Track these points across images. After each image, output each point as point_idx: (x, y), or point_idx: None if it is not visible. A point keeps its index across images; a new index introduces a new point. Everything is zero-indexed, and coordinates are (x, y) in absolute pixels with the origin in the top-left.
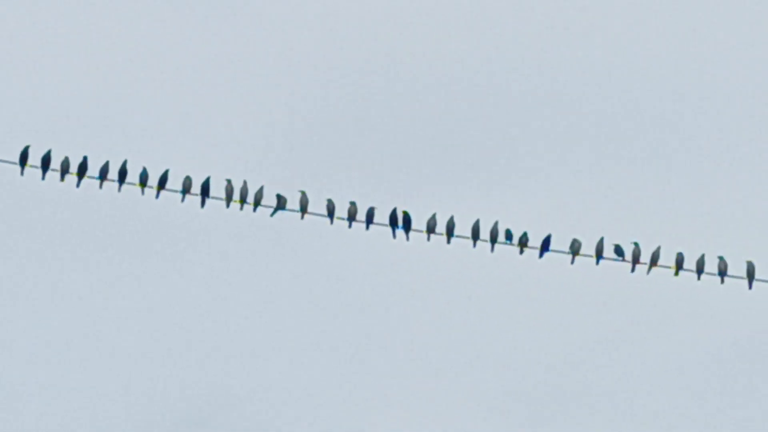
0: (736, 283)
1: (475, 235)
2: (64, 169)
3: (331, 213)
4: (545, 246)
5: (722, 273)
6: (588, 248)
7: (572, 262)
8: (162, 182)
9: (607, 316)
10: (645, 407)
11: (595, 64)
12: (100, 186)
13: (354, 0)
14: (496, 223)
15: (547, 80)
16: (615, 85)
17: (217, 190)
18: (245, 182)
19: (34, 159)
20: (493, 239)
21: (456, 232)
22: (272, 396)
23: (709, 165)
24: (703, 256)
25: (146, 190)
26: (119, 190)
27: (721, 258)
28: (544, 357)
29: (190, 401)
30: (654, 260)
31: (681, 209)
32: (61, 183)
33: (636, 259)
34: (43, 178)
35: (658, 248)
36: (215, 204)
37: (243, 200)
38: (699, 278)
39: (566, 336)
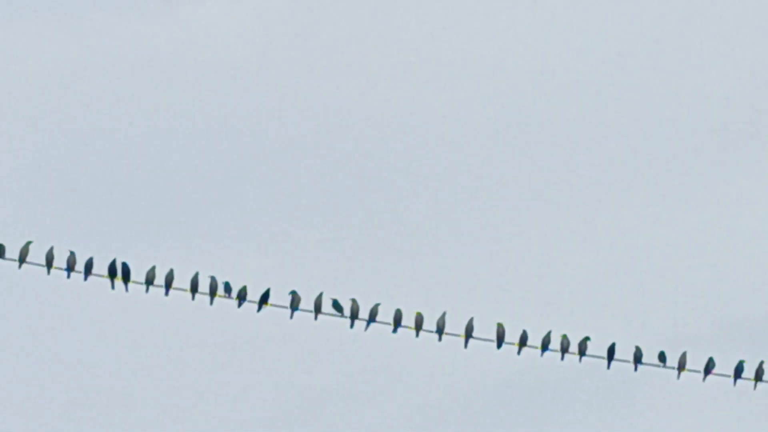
0: (454, 340)
1: (194, 287)
2: None
3: (49, 263)
4: (264, 300)
5: (440, 330)
6: (307, 303)
7: (291, 317)
8: None
9: (326, 372)
10: None
11: (311, 117)
12: None
13: (74, 53)
14: (213, 278)
15: (264, 131)
16: (334, 138)
17: None
18: None
19: None
20: (212, 292)
21: (175, 284)
22: None
23: (429, 221)
24: (420, 314)
25: None
26: None
27: (443, 315)
28: (261, 413)
29: None
30: (372, 316)
31: (399, 266)
32: None
33: (355, 315)
34: None
35: (377, 305)
36: None
37: None
38: (417, 335)
39: (284, 391)
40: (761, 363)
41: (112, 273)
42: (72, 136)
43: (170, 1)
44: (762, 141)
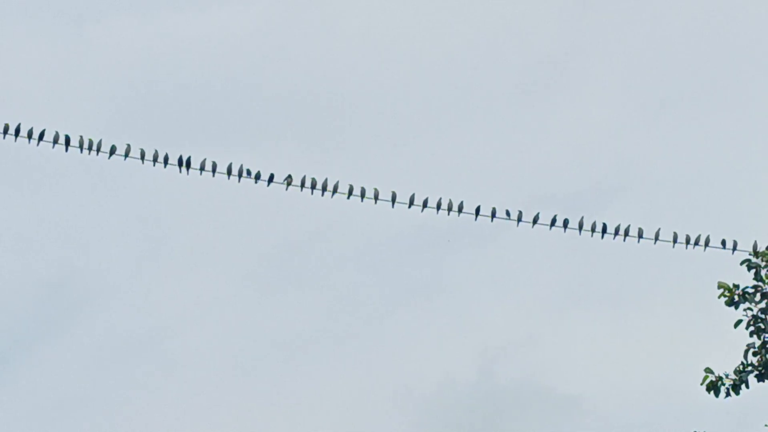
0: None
1: (229, 171)
2: None
3: (142, 156)
4: (271, 179)
5: (376, 196)
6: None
7: (286, 189)
8: None
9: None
10: None
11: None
12: None
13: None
14: (241, 166)
15: (261, 84)
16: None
17: None
18: None
19: None
20: (240, 174)
21: (218, 169)
22: None
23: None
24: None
25: None
26: None
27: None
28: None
29: None
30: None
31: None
32: None
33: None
34: None
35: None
36: None
37: None
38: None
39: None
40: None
41: (180, 162)
42: (152, 92)
43: (208, 7)
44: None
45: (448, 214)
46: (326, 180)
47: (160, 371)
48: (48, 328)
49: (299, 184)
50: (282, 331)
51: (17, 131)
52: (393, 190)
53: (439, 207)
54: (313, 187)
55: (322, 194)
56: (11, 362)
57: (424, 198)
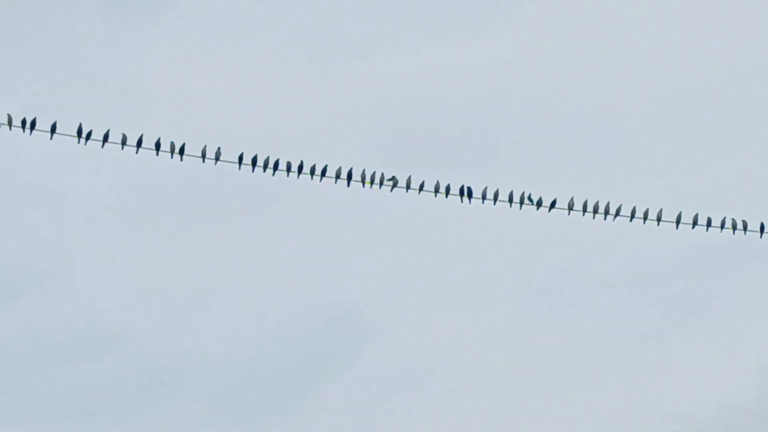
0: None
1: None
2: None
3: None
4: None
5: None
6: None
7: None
8: None
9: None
10: None
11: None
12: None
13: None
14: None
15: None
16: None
17: None
18: None
19: None
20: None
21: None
22: None
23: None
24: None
25: None
26: None
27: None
28: None
29: None
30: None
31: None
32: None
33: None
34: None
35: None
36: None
37: None
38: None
39: None
40: None
41: (462, 192)
42: (421, 123)
43: (474, 37)
44: None
45: (733, 232)
46: (608, 203)
47: (433, 400)
48: (329, 363)
49: (581, 208)
50: (551, 356)
51: (300, 169)
52: (680, 210)
53: (722, 226)
54: (595, 210)
55: (605, 218)
56: (294, 398)
57: (707, 217)
